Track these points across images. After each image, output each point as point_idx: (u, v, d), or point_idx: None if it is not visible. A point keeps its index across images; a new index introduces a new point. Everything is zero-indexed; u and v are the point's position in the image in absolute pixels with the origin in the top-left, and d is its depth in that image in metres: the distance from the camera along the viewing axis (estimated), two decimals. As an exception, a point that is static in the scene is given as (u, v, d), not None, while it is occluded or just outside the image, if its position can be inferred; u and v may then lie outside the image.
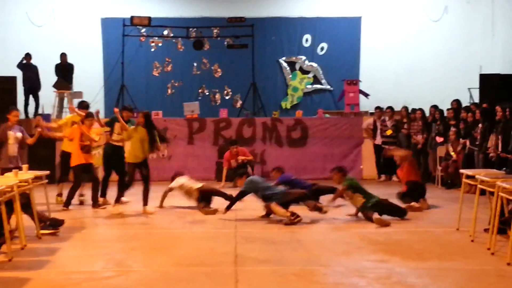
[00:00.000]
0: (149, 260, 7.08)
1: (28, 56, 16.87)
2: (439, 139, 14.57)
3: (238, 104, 18.97)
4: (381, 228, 8.96)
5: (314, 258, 7.14)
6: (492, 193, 7.51)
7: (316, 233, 8.73)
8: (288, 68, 20.14)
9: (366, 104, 17.94)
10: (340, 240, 8.22)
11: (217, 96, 19.37)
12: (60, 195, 11.50)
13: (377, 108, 16.14)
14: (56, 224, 8.66)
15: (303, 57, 20.08)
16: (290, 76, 20.10)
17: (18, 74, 16.60)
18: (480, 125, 13.22)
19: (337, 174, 10.29)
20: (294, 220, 9.12)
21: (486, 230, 8.02)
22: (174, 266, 6.75)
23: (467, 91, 17.33)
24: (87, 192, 11.42)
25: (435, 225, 9.30)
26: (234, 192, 10.36)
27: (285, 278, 6.21)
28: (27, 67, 16.80)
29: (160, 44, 18.87)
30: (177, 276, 6.32)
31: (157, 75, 19.40)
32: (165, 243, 8.06)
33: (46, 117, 15.99)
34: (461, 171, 9.24)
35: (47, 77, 17.10)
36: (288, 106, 19.94)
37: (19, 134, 10.14)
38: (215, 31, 18.57)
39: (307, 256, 7.23)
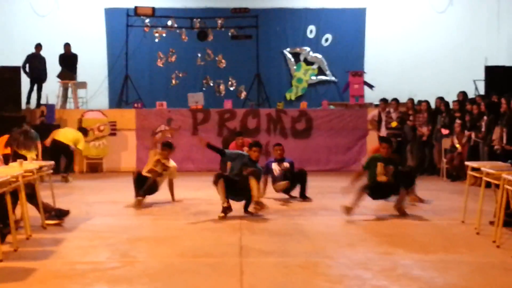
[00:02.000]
0: (153, 251, 7.09)
1: (38, 46, 16.83)
2: (445, 131, 14.55)
3: (243, 95, 18.94)
4: (385, 220, 8.95)
5: (319, 250, 7.13)
6: (497, 186, 7.49)
7: (320, 225, 8.72)
8: (292, 59, 20.09)
9: (371, 96, 17.91)
10: (344, 232, 8.21)
11: (222, 87, 19.33)
12: None
13: (382, 99, 16.09)
14: (61, 214, 8.67)
15: (308, 48, 20.02)
16: (295, 67, 20.05)
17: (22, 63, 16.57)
18: (485, 118, 13.20)
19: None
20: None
21: (491, 222, 8.01)
22: (178, 257, 6.75)
23: (473, 83, 17.29)
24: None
25: (440, 217, 9.28)
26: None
27: (290, 270, 6.20)
28: (35, 57, 16.78)
29: (164, 35, 18.85)
30: (182, 267, 6.32)
31: (161, 65, 19.35)
32: (170, 234, 8.06)
33: (50, 107, 16.03)
34: (467, 163, 9.21)
35: (51, 67, 17.11)
36: (293, 98, 19.90)
37: None
38: (219, 21, 18.52)
39: (311, 248, 7.22)
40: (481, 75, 16.44)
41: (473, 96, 15.74)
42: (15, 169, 7.71)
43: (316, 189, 9.85)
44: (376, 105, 16.67)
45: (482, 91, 16.42)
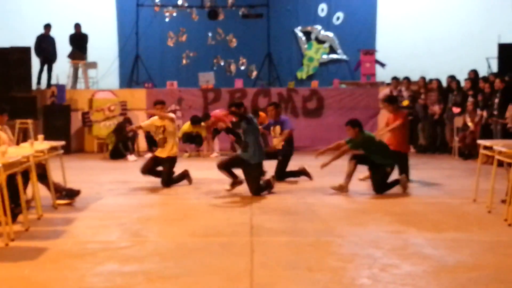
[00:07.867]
0: (164, 231, 7.10)
1: (47, 26, 16.79)
2: (456, 110, 14.43)
3: (254, 75, 18.86)
4: (397, 199, 8.92)
5: (330, 229, 7.12)
6: (509, 164, 7.44)
7: (331, 204, 8.70)
8: (303, 38, 19.94)
9: (382, 74, 17.79)
10: (355, 211, 8.20)
11: (232, 66, 19.23)
12: None
13: (394, 78, 15.99)
14: (72, 194, 8.70)
15: (319, 27, 19.85)
16: (306, 46, 19.91)
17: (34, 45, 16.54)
18: (498, 95, 13.09)
19: (351, 129, 9.55)
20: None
21: (503, 201, 7.96)
22: (189, 237, 6.76)
23: (485, 61, 17.12)
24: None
25: (451, 196, 9.25)
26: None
27: (301, 249, 6.20)
28: (45, 38, 16.74)
29: (174, 14, 18.78)
30: (193, 247, 6.32)
31: (171, 45, 19.26)
32: (181, 213, 8.08)
33: (61, 88, 16.04)
34: (479, 141, 9.15)
35: (62, 47, 17.08)
36: (304, 77, 19.78)
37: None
38: (230, 0, 18.42)
39: (322, 227, 7.21)
40: (494, 52, 16.26)
41: (486, 74, 15.59)
42: (26, 149, 7.73)
43: (327, 168, 9.76)
44: (388, 84, 16.57)
45: (495, 69, 16.26)
